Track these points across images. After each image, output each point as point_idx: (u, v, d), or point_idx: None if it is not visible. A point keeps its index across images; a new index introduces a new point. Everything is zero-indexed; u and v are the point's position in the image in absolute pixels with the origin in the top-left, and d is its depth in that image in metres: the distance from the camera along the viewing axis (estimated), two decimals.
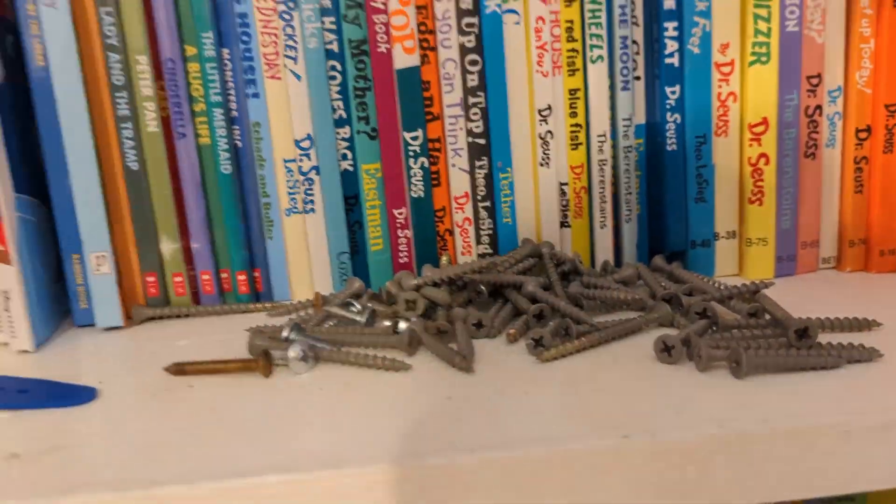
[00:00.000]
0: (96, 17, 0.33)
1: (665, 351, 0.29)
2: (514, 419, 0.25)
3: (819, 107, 0.38)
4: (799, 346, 0.28)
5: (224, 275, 0.37)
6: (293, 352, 0.29)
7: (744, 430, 0.24)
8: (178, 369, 0.30)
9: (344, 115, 0.36)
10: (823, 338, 0.30)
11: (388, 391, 0.27)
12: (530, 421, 0.24)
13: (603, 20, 0.36)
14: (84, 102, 0.33)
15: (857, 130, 0.38)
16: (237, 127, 0.36)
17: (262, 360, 0.29)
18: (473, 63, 0.36)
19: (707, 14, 0.36)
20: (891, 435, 0.24)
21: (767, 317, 0.32)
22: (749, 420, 0.24)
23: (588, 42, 0.36)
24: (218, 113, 0.36)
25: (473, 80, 0.36)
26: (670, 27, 0.37)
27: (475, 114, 0.37)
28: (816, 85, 0.38)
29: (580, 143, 0.38)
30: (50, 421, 0.26)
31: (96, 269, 0.35)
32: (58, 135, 0.33)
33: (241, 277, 0.37)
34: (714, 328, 0.31)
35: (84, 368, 0.31)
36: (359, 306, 0.34)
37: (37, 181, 0.35)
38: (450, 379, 0.28)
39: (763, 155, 0.38)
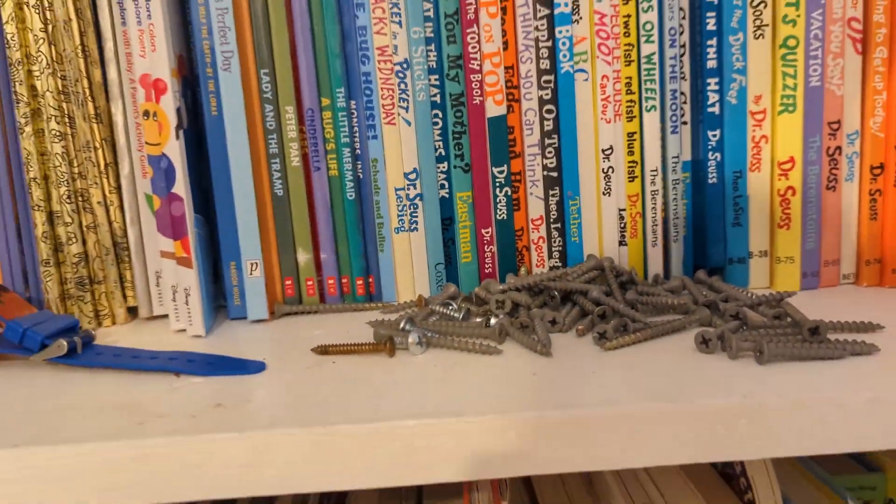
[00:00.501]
0: (257, 77, 0.43)
1: (703, 343, 0.36)
2: (586, 389, 0.33)
3: (839, 147, 0.45)
4: (811, 340, 0.36)
5: (345, 280, 0.46)
6: (412, 337, 0.38)
7: (762, 401, 0.31)
8: (323, 350, 0.39)
9: (443, 153, 0.45)
10: (833, 336, 0.38)
11: (486, 369, 0.36)
12: (597, 391, 0.33)
13: (656, 77, 0.45)
14: (246, 143, 0.43)
15: (872, 167, 0.45)
16: (360, 162, 0.45)
17: (389, 343, 0.38)
18: (549, 112, 0.45)
19: (743, 72, 0.44)
20: (877, 407, 0.31)
21: (789, 319, 0.39)
22: (767, 394, 0.32)
23: (643, 94, 0.45)
24: (346, 151, 0.45)
25: (549, 125, 0.45)
26: (712, 82, 0.45)
27: (550, 152, 0.45)
28: (836, 129, 0.45)
29: (636, 177, 0.46)
30: (235, 383, 0.35)
31: (250, 273, 0.44)
32: (226, 168, 0.43)
33: (359, 282, 0.46)
34: (744, 327, 0.39)
35: (247, 350, 0.40)
36: (455, 305, 0.43)
37: (203, 203, 0.45)
38: (533, 362, 0.37)
39: (790, 187, 0.45)
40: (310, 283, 0.46)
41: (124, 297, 0.45)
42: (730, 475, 0.48)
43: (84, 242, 0.43)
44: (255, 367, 0.37)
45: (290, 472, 0.30)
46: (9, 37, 0.40)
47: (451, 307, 0.42)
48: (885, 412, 0.32)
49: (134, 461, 0.30)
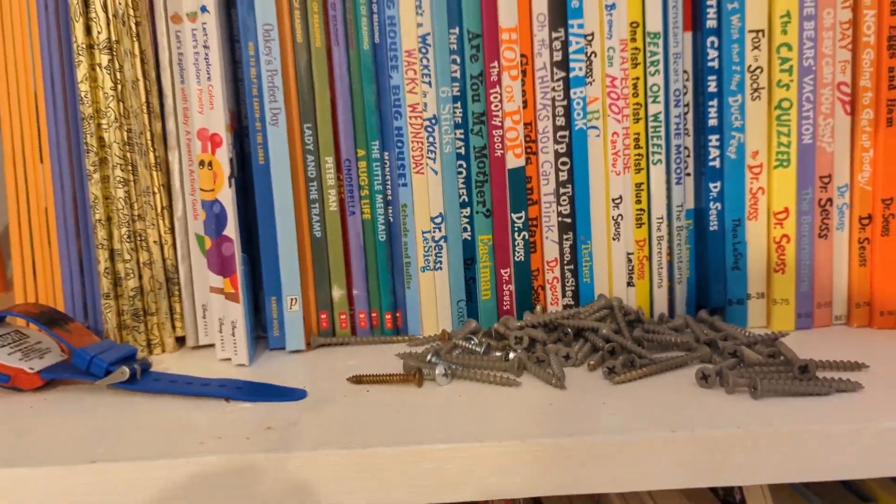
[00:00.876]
0: (300, 131, 0.48)
1: (703, 378, 0.40)
2: (596, 419, 0.37)
3: (830, 199, 0.49)
4: (801, 378, 0.40)
5: (375, 314, 0.51)
6: (439, 370, 0.42)
7: (755, 431, 0.35)
8: (357, 379, 0.43)
9: (466, 200, 0.50)
10: (821, 374, 0.42)
11: (506, 399, 0.40)
12: (607, 420, 0.36)
13: (662, 133, 0.49)
14: (290, 189, 0.47)
15: (861, 218, 0.49)
16: (391, 207, 0.50)
17: (418, 374, 0.42)
18: (564, 164, 0.49)
19: (741, 129, 0.49)
20: (858, 439, 0.35)
21: (782, 357, 0.43)
22: (759, 425, 0.35)
23: (650, 149, 0.49)
24: (378, 197, 0.49)
25: (563, 176, 0.49)
26: (713, 139, 0.49)
27: (564, 200, 0.49)
28: (827, 183, 0.49)
29: (643, 224, 0.50)
30: (281, 409, 0.39)
31: (290, 307, 0.48)
32: (270, 212, 0.47)
33: (387, 316, 0.51)
34: (741, 364, 0.43)
35: (287, 378, 0.44)
36: (476, 340, 0.47)
37: (247, 242, 0.49)
38: (548, 393, 0.40)
39: (785, 235, 0.49)
40: (343, 316, 0.50)
41: (173, 327, 0.49)
42: (727, 501, 0.52)
43: (140, 278, 0.47)
44: (298, 395, 0.41)
45: (334, 488, 0.34)
46: (82, 94, 0.45)
47: (472, 341, 0.46)
48: (867, 444, 0.35)
49: (197, 477, 0.34)
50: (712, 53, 0.48)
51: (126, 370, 0.41)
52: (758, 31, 0.48)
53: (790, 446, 0.35)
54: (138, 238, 0.47)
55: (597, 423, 0.36)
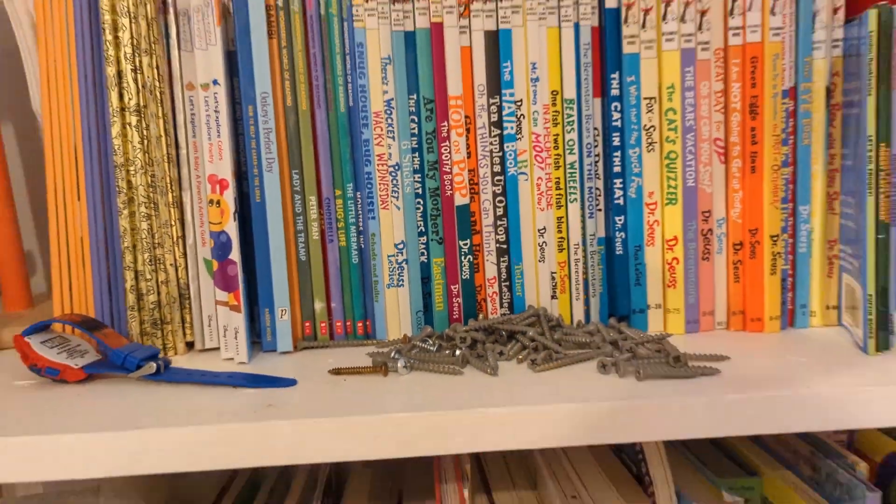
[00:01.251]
0: (289, 175, 0.60)
1: (602, 367, 0.53)
2: (521, 396, 0.49)
3: (710, 229, 0.63)
4: (674, 365, 0.52)
5: (349, 323, 0.62)
6: (401, 363, 0.54)
7: (637, 402, 0.47)
8: (336, 371, 0.54)
9: (423, 230, 0.62)
10: (692, 362, 0.54)
11: (454, 384, 0.52)
12: (530, 396, 0.49)
13: (577, 177, 0.62)
14: (281, 222, 0.59)
15: (734, 244, 0.63)
16: (362, 236, 0.62)
17: (384, 367, 0.54)
18: (500, 202, 0.62)
19: (640, 175, 0.62)
20: (712, 406, 0.48)
21: (665, 352, 0.56)
22: (640, 398, 0.48)
23: (568, 190, 0.62)
24: (352, 228, 0.61)
25: (500, 211, 0.62)
26: (618, 182, 0.62)
27: (500, 231, 0.62)
28: (708, 216, 0.62)
29: (564, 249, 0.63)
30: (277, 393, 0.51)
31: (280, 317, 0.60)
32: (265, 240, 0.59)
33: (360, 324, 0.62)
34: (634, 357, 0.55)
35: (280, 371, 0.56)
36: (431, 341, 0.59)
37: (245, 264, 0.60)
38: (486, 379, 0.53)
39: (675, 258, 0.62)
40: (323, 324, 0.62)
41: (184, 334, 0.60)
42: (639, 477, 0.64)
43: (159, 293, 0.59)
44: (289, 383, 0.52)
45: (323, 446, 0.46)
46: (116, 147, 0.56)
47: (427, 343, 0.58)
48: (719, 411, 0.48)
49: (219, 440, 0.45)
50: (616, 115, 0.62)
51: (154, 365, 0.52)
52: (650, 98, 0.61)
53: (663, 413, 0.48)
54: (157, 262, 0.58)
55: (521, 399, 0.48)
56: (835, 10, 0.60)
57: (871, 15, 0.54)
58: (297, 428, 0.45)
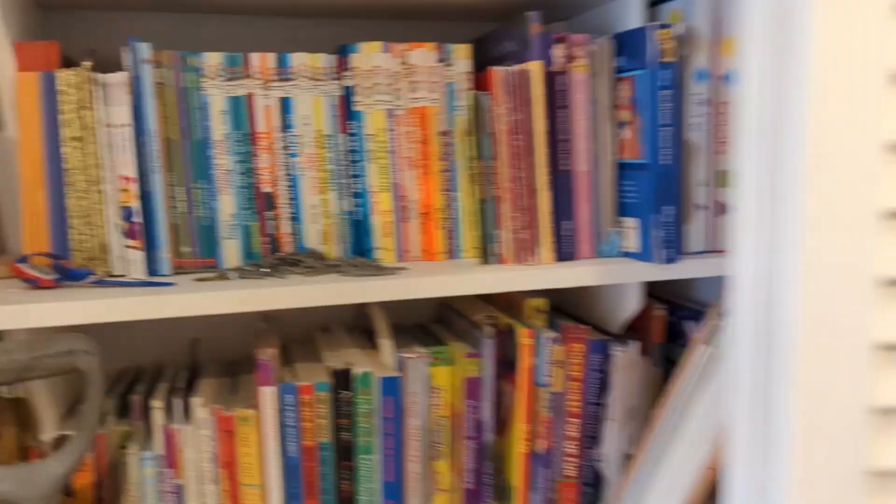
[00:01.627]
0: (168, 176, 1.06)
1: (344, 274, 1.04)
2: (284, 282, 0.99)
3: (406, 206, 1.15)
4: (381, 268, 1.04)
5: (205, 259, 1.10)
6: (233, 275, 1.02)
7: (356, 283, 0.98)
8: (200, 279, 1.02)
9: (246, 207, 1.10)
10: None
11: (260, 284, 1.01)
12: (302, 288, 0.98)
13: (334, 177, 1.13)
14: (163, 202, 1.06)
15: (421, 213, 1.16)
16: (211, 211, 1.09)
17: (225, 275, 1.02)
18: (289, 190, 1.11)
19: (367, 175, 1.14)
20: (405, 283, 0.99)
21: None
22: (355, 282, 0.99)
23: (329, 184, 1.13)
24: (205, 206, 1.09)
25: (289, 196, 1.12)
26: (356, 180, 1.14)
27: (290, 207, 1.12)
28: (405, 199, 1.15)
29: (329, 217, 1.13)
30: (161, 290, 0.97)
31: (164, 255, 1.06)
32: (155, 214, 1.05)
33: (210, 260, 1.10)
34: (357, 267, 1.06)
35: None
36: (251, 267, 1.07)
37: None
38: (276, 282, 1.02)
39: (389, 221, 1.15)
40: (188, 260, 1.09)
41: (106, 265, 1.05)
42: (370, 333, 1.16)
43: (92, 243, 1.03)
44: (168, 284, 0.99)
45: (183, 307, 0.93)
46: (66, 157, 1.01)
47: (248, 266, 1.07)
48: (408, 289, 1.00)
49: (130, 305, 0.91)
50: (353, 143, 1.13)
51: (94, 276, 0.97)
52: (371, 134, 1.13)
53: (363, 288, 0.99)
54: (91, 224, 1.03)
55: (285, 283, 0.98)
56: (468, 88, 1.15)
57: (470, 95, 1.09)
58: (172, 299, 0.93)
